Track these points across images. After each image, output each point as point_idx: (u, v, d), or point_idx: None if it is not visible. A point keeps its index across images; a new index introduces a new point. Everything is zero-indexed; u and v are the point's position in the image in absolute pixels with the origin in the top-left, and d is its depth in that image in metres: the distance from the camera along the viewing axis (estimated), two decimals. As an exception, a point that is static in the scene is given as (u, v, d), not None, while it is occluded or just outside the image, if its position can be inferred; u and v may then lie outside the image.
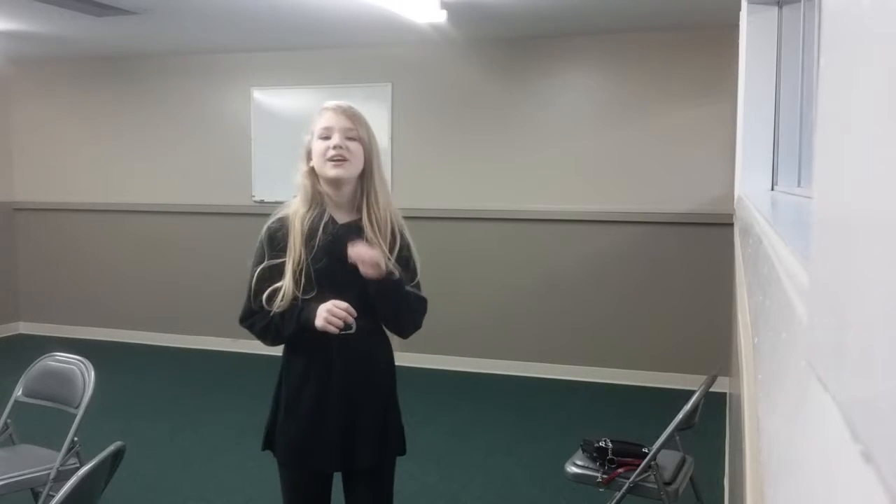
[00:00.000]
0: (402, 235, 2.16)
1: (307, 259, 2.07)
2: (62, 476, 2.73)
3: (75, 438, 2.89)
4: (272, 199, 6.28)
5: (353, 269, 2.04)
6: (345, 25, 5.30)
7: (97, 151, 6.99)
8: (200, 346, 6.68)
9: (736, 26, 4.19)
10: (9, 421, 3.11)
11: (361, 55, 6.13)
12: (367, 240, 2.07)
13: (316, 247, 2.07)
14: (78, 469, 2.33)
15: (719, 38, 5.20)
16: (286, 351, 2.20)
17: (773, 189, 3.29)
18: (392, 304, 2.11)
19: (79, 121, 7.04)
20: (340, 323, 2.02)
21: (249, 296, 2.13)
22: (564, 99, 5.81)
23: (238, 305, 2.18)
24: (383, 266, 2.02)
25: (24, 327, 7.38)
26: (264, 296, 2.07)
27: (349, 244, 2.01)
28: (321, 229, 2.08)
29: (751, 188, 3.27)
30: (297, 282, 2.05)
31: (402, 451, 2.25)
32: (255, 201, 6.42)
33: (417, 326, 2.20)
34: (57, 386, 3.07)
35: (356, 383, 2.13)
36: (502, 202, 5.91)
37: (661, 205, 5.58)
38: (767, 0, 3.27)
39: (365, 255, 1.99)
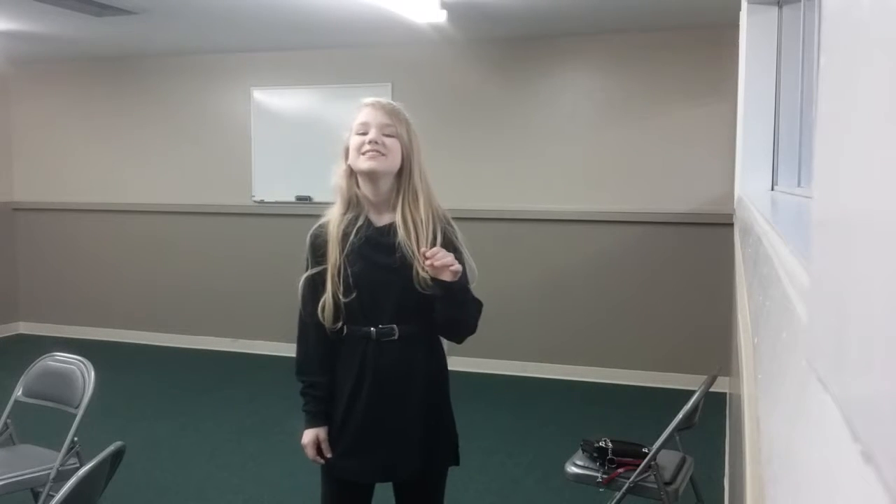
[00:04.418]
0: (451, 239, 2.09)
1: (342, 263, 2.03)
2: (62, 476, 2.73)
3: (75, 438, 2.89)
4: (272, 200, 6.29)
5: (391, 272, 2.02)
6: (345, 25, 5.30)
7: (97, 151, 6.99)
8: (200, 346, 6.68)
9: (736, 26, 4.19)
10: (9, 421, 3.11)
11: (361, 55, 6.13)
12: (399, 242, 2.02)
13: (348, 250, 2.03)
14: (78, 469, 2.33)
15: (719, 38, 5.20)
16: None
17: (773, 189, 3.29)
18: (454, 309, 2.04)
19: (79, 121, 7.04)
20: (313, 454, 2.08)
21: (301, 308, 2.12)
22: (564, 99, 5.81)
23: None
24: (458, 269, 1.96)
25: (24, 327, 7.38)
26: (319, 309, 2.04)
27: (421, 251, 1.96)
28: (354, 232, 2.04)
29: (751, 188, 3.27)
30: (336, 286, 2.02)
31: (455, 461, 2.18)
32: (255, 201, 6.41)
33: (472, 331, 2.13)
34: (57, 386, 3.07)
35: (391, 391, 2.05)
36: (502, 202, 5.91)
37: (661, 205, 5.57)
38: (767, 0, 3.28)
39: (439, 261, 1.93)
